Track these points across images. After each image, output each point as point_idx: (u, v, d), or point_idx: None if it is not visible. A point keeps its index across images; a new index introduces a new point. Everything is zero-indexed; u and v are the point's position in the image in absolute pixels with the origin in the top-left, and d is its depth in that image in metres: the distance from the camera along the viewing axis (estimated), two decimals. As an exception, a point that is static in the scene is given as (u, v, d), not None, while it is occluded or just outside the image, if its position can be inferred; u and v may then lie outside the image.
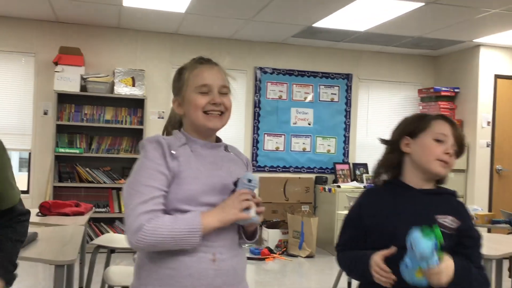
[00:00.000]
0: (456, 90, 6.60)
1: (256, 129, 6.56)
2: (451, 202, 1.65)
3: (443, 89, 6.59)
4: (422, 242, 1.40)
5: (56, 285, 2.43)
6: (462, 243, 1.60)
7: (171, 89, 1.68)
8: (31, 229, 3.06)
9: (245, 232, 1.60)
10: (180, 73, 1.62)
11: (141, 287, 1.50)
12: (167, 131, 1.69)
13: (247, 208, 1.47)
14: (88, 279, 3.83)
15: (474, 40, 6.07)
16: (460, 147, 1.65)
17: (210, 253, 1.47)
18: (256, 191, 1.54)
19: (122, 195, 1.51)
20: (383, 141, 1.76)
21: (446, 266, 1.46)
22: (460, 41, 6.12)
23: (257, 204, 1.51)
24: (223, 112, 1.57)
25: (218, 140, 1.66)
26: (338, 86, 6.81)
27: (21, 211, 1.77)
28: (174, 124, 1.68)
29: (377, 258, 1.51)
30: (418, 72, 7.07)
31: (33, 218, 3.68)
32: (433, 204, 1.61)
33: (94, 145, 5.88)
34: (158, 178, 1.45)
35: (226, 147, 1.66)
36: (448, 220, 1.58)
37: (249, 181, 1.50)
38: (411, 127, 1.67)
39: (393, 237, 1.55)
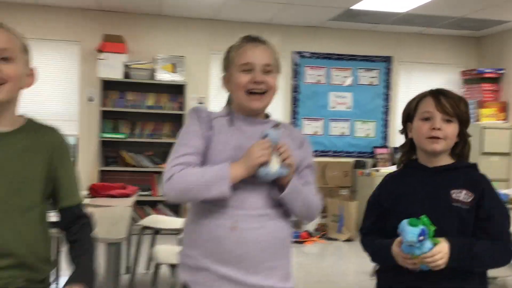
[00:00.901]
0: (500, 72, 6.42)
1: (294, 113, 6.59)
2: (469, 176, 1.64)
3: (487, 70, 6.42)
4: (408, 231, 1.45)
5: (108, 262, 2.56)
6: (478, 215, 1.58)
7: (220, 67, 1.70)
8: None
9: (280, 187, 1.54)
10: (228, 51, 1.65)
11: (181, 252, 1.63)
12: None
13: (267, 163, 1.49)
14: (136, 256, 3.99)
15: (520, 20, 5.88)
16: (457, 115, 1.61)
17: (231, 221, 1.50)
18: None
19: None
20: (400, 131, 1.80)
21: (440, 250, 1.48)
22: (505, 21, 5.94)
23: (283, 158, 1.50)
24: (266, 91, 1.58)
25: (268, 117, 1.67)
26: (378, 69, 6.74)
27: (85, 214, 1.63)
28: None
29: (396, 249, 1.53)
30: (461, 54, 6.91)
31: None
32: (448, 180, 1.62)
33: (137, 130, 6.05)
34: (193, 139, 1.55)
35: (277, 125, 1.61)
36: (462, 195, 1.58)
37: (265, 136, 1.52)
38: (407, 113, 1.72)
39: (408, 217, 1.56)
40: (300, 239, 5.83)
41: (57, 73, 6.00)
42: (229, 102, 1.70)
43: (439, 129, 1.59)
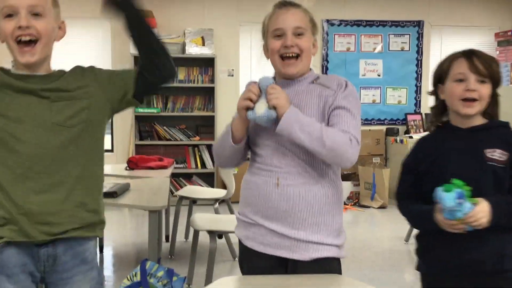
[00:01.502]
0: (537, 32, 6.23)
1: (324, 82, 6.56)
2: (503, 135, 1.64)
3: (523, 31, 6.23)
4: (445, 197, 1.48)
5: (150, 229, 2.69)
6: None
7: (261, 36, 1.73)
8: (123, 181, 3.36)
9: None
10: (264, 20, 1.69)
11: (238, 211, 1.73)
12: None
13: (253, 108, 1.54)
14: (174, 226, 4.14)
15: (558, -24, 5.66)
16: (490, 76, 1.60)
17: (274, 177, 1.57)
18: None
19: None
20: (430, 93, 1.79)
21: (481, 209, 1.50)
22: (542, -22, 5.73)
23: (269, 100, 1.52)
24: (299, 55, 1.60)
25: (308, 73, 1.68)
26: (409, 34, 6.62)
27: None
28: None
29: (439, 216, 1.54)
30: (495, 15, 6.71)
31: (122, 172, 4.02)
32: (482, 139, 1.62)
33: (169, 104, 6.16)
34: None
35: (315, 80, 1.65)
36: (496, 154, 1.59)
37: (260, 85, 1.57)
38: (438, 74, 1.69)
39: (444, 179, 1.58)
40: (333, 207, 5.89)
41: (90, 51, 6.13)
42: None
43: (473, 90, 1.59)
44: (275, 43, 1.61)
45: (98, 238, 1.74)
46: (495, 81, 1.63)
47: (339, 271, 1.67)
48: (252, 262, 1.66)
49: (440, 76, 1.69)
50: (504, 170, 1.59)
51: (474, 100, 1.59)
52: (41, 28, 1.45)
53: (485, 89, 1.60)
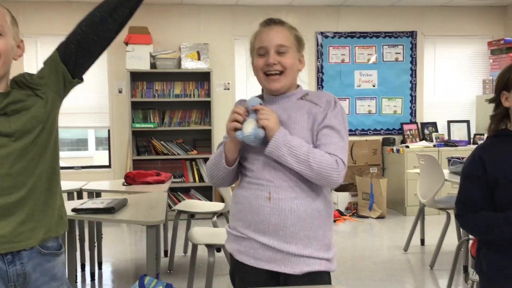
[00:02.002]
0: (529, 40, 6.29)
1: (320, 94, 6.60)
2: None
3: (515, 39, 6.29)
4: None
5: (148, 244, 2.68)
6: None
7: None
8: (120, 196, 3.36)
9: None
10: (251, 37, 1.72)
11: (228, 225, 1.75)
12: None
13: (241, 128, 1.56)
14: (173, 241, 4.13)
15: (547, -15, 5.73)
16: None
17: (266, 191, 1.59)
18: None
19: None
20: (489, 101, 1.77)
21: None
22: (532, -13, 5.80)
23: (258, 119, 1.55)
24: (282, 72, 1.63)
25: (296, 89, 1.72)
26: (403, 45, 6.68)
27: None
28: None
29: None
30: (487, 24, 6.78)
31: (120, 187, 4.02)
32: None
33: (166, 119, 6.18)
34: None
35: (304, 96, 1.68)
36: None
37: (248, 106, 1.59)
38: (504, 81, 1.68)
39: None
40: (331, 218, 5.89)
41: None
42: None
43: None
44: (259, 61, 1.65)
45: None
46: None
47: (329, 283, 1.68)
48: (244, 276, 1.67)
49: (506, 83, 1.67)
50: None
51: None
52: (1, 47, 1.47)
53: None
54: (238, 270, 1.69)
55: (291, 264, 1.59)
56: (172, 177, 4.88)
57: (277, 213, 1.57)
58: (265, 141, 1.56)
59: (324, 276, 1.64)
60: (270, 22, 1.67)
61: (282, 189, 1.59)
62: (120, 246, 4.97)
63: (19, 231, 1.48)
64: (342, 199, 6.26)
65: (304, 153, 1.53)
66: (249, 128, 1.55)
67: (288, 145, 1.53)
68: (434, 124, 6.66)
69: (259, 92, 1.78)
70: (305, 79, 7.04)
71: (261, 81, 1.67)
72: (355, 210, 6.20)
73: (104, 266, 4.24)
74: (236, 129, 1.57)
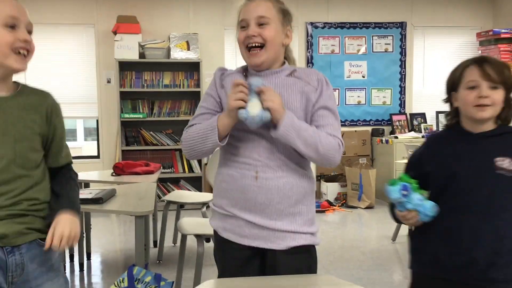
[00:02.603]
0: (517, 31, 6.33)
1: (310, 85, 6.60)
2: (510, 141, 1.66)
3: (503, 31, 6.31)
4: (390, 190, 1.58)
5: (137, 234, 2.67)
6: None
7: None
8: (109, 187, 3.34)
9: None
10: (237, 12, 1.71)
11: (212, 202, 1.75)
12: None
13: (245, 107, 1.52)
14: (162, 231, 4.12)
15: (536, -23, 5.76)
16: (502, 82, 1.62)
17: (253, 171, 1.59)
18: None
19: None
20: (444, 100, 1.80)
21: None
22: (521, -22, 5.83)
23: (263, 101, 1.51)
24: (264, 44, 1.59)
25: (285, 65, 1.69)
26: (392, 36, 6.69)
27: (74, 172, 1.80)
28: None
29: (397, 212, 1.64)
30: (476, 15, 6.81)
31: (109, 178, 4.00)
32: (493, 146, 1.64)
33: (155, 109, 6.15)
34: (208, 100, 1.69)
35: (292, 73, 1.65)
36: (506, 163, 1.61)
37: (249, 85, 1.53)
38: (451, 83, 1.72)
39: (453, 182, 1.63)
40: (321, 209, 5.93)
41: (74, 57, 6.10)
42: None
43: (486, 96, 1.61)
44: (240, 34, 1.63)
45: None
46: (508, 86, 1.65)
47: (315, 257, 1.72)
48: (227, 252, 1.70)
49: (453, 84, 1.71)
50: (510, 180, 1.60)
51: (486, 105, 1.62)
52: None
53: (498, 95, 1.63)
54: (222, 246, 1.71)
55: (277, 240, 1.62)
56: (162, 167, 4.87)
57: (264, 192, 1.59)
58: (267, 124, 1.55)
59: (310, 250, 1.68)
60: None
61: (269, 168, 1.59)
62: (109, 237, 4.96)
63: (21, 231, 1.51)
64: (332, 190, 6.29)
65: (312, 137, 1.54)
66: (256, 109, 1.50)
67: (297, 129, 1.52)
68: (423, 115, 6.69)
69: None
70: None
71: (243, 56, 1.65)
72: (344, 201, 6.23)
73: (93, 257, 4.23)
74: (239, 108, 1.52)
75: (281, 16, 1.63)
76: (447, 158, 1.67)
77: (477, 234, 1.59)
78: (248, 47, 1.61)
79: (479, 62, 1.65)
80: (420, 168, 1.72)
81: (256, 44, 1.59)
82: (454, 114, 1.73)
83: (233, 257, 1.68)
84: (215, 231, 1.73)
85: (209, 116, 1.64)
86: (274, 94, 1.53)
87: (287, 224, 1.62)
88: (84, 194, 2.91)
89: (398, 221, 1.77)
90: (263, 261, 1.67)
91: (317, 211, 5.85)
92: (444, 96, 1.78)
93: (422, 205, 1.59)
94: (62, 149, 1.68)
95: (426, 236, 1.69)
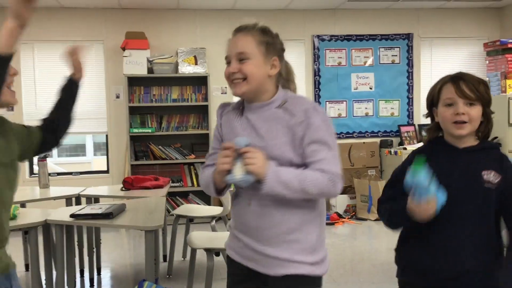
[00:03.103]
0: (524, 41, 6.32)
1: (317, 97, 6.62)
2: (494, 156, 1.71)
3: (510, 41, 6.31)
4: (420, 174, 1.53)
5: (147, 249, 2.68)
6: (505, 194, 1.66)
7: None
8: (119, 201, 3.35)
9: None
10: None
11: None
12: None
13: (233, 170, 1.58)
14: (172, 245, 4.12)
15: (542, -14, 5.76)
16: (478, 98, 1.66)
17: (247, 199, 1.66)
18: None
19: None
20: (425, 115, 1.84)
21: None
22: (527, -12, 5.83)
23: (245, 164, 1.54)
24: (245, 79, 1.62)
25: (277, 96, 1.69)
26: (399, 47, 6.71)
27: None
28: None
29: (411, 204, 1.62)
30: (483, 26, 6.81)
31: (118, 192, 4.02)
32: (478, 160, 1.68)
33: (164, 124, 6.18)
34: (215, 140, 1.80)
35: (282, 103, 1.65)
36: (491, 176, 1.66)
37: (236, 143, 1.58)
38: (431, 99, 1.76)
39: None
40: (330, 221, 5.90)
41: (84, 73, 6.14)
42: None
43: (463, 113, 1.65)
44: (225, 70, 1.68)
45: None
46: (485, 102, 1.69)
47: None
48: (232, 269, 1.79)
49: (433, 100, 1.76)
50: (495, 192, 1.66)
51: (464, 122, 1.66)
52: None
53: (474, 111, 1.67)
54: (229, 265, 1.80)
55: (269, 265, 1.64)
56: (171, 181, 4.89)
57: (255, 218, 1.65)
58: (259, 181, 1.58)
59: (305, 280, 1.64)
60: (236, 31, 1.68)
61: (260, 197, 1.61)
62: (119, 251, 4.97)
63: None
64: (341, 202, 6.26)
65: (299, 185, 1.55)
66: (239, 173, 1.56)
67: (283, 182, 1.54)
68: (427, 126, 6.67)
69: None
70: (303, 82, 7.10)
71: (230, 87, 1.70)
72: (353, 213, 6.20)
73: (103, 272, 4.23)
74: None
75: (263, 48, 1.64)
76: (434, 172, 1.64)
77: (464, 245, 1.65)
78: (232, 81, 1.66)
79: (455, 79, 1.70)
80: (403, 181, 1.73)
81: (238, 80, 1.64)
82: (435, 128, 1.77)
83: (235, 274, 1.77)
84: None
85: (216, 156, 1.72)
86: (255, 155, 1.54)
87: (280, 251, 1.62)
88: (94, 209, 2.93)
89: (396, 224, 1.78)
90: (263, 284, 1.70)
91: (326, 224, 5.83)
92: (426, 111, 1.82)
93: (439, 192, 1.57)
94: (30, 129, 1.83)
95: (414, 248, 1.74)
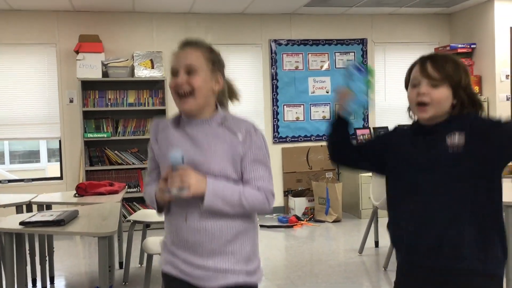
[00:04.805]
0: (472, 46, 6.57)
1: (275, 101, 6.67)
2: (464, 122, 1.59)
3: (460, 46, 6.56)
4: (352, 62, 1.75)
5: (100, 255, 2.63)
6: (492, 137, 1.54)
7: None
8: (71, 208, 3.27)
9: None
10: None
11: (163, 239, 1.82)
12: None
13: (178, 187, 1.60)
14: (128, 251, 4.05)
15: (488, -6, 6.01)
16: (444, 78, 1.58)
17: (183, 214, 1.66)
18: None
19: None
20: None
21: None
22: (474, -4, 6.07)
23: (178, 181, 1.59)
24: (193, 92, 1.63)
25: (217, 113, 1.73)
26: (354, 52, 6.84)
27: None
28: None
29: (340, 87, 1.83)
30: (434, 31, 7.04)
31: (71, 199, 3.92)
32: (443, 130, 1.60)
33: (120, 128, 6.08)
34: (149, 158, 1.83)
35: (223, 122, 1.68)
36: (456, 138, 1.57)
37: (170, 159, 1.59)
38: (406, 80, 1.72)
39: (409, 167, 1.66)
40: (289, 223, 5.94)
41: (35, 77, 5.99)
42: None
43: (423, 93, 1.58)
44: (171, 82, 1.67)
45: None
46: (453, 83, 1.59)
47: None
48: (169, 286, 1.74)
49: (406, 82, 1.71)
50: (465, 156, 1.56)
51: (425, 104, 1.59)
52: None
53: (438, 93, 1.58)
54: (167, 282, 1.75)
55: (209, 279, 1.66)
56: (127, 187, 4.80)
57: (193, 233, 1.65)
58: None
59: None
60: (184, 44, 1.69)
61: (196, 212, 1.63)
62: (73, 260, 4.84)
63: None
64: (299, 204, 6.32)
65: (237, 200, 1.61)
66: (174, 189, 1.57)
67: (221, 197, 1.60)
68: (386, 129, 6.83)
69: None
70: (260, 86, 7.11)
71: (175, 102, 1.69)
72: (312, 215, 6.27)
73: (56, 281, 4.11)
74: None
75: (210, 64, 1.68)
76: (405, 147, 1.69)
77: (441, 215, 1.57)
78: (178, 94, 1.65)
79: (423, 59, 1.65)
80: (380, 143, 1.81)
81: (185, 92, 1.64)
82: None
83: None
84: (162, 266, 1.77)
85: (155, 175, 1.79)
86: (188, 175, 1.57)
87: (220, 262, 1.65)
88: (45, 216, 2.85)
89: (330, 136, 1.93)
90: None
91: (285, 226, 5.88)
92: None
93: (362, 92, 1.75)
94: None
95: (393, 223, 1.72)
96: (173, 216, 1.69)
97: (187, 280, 1.68)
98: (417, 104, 1.61)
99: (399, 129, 1.82)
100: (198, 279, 1.66)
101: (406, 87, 1.71)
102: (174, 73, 1.66)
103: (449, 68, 1.59)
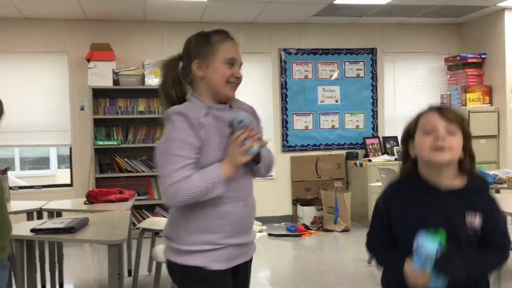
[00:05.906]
0: (483, 56, 6.55)
1: (284, 110, 6.68)
2: (481, 199, 1.60)
3: (470, 56, 6.54)
4: (429, 245, 1.48)
5: (110, 263, 2.63)
6: (487, 235, 1.59)
7: (191, 50, 1.80)
8: (81, 215, 3.29)
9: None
10: (209, 39, 1.77)
11: (188, 240, 1.71)
12: (166, 91, 1.80)
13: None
14: (137, 259, 4.06)
15: (498, 4, 6.00)
16: (460, 126, 1.57)
17: (243, 201, 1.77)
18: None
19: (155, 157, 1.67)
20: (400, 154, 1.77)
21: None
22: (484, 6, 6.06)
23: (255, 138, 1.71)
24: (238, 84, 1.81)
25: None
26: (363, 61, 6.85)
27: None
28: (172, 84, 1.80)
29: (409, 270, 1.55)
30: (443, 41, 7.03)
31: (82, 206, 3.95)
32: (462, 204, 1.58)
33: (130, 136, 6.12)
34: (187, 148, 1.63)
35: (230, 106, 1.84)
36: (476, 221, 1.57)
37: (240, 122, 1.68)
38: (407, 131, 1.66)
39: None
40: (297, 233, 5.93)
41: (47, 85, 6.05)
42: (177, 86, 1.80)
43: (443, 139, 1.54)
44: (227, 70, 1.77)
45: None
46: (466, 134, 1.59)
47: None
48: (215, 283, 1.72)
49: (409, 132, 1.65)
50: (476, 237, 1.58)
51: (443, 149, 1.54)
52: None
53: (455, 140, 1.56)
54: (210, 279, 1.70)
55: (249, 251, 1.85)
56: (136, 194, 4.82)
57: (249, 215, 1.81)
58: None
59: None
60: (231, 37, 1.81)
61: (250, 192, 1.82)
62: (82, 267, 4.86)
63: None
64: (308, 213, 6.31)
65: (268, 156, 1.89)
66: (254, 148, 1.69)
67: (265, 155, 1.87)
68: (395, 138, 6.81)
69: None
70: (270, 95, 7.12)
71: (221, 87, 1.73)
72: (320, 224, 6.25)
73: (65, 287, 4.13)
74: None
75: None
76: (415, 212, 1.60)
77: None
78: (227, 82, 1.75)
79: (435, 107, 1.61)
80: (387, 218, 1.68)
81: (235, 84, 1.79)
82: (411, 166, 1.65)
83: (224, 284, 1.75)
84: (199, 268, 1.69)
85: (194, 165, 1.64)
86: (255, 126, 1.75)
87: (253, 236, 1.87)
88: (55, 223, 2.87)
89: (388, 274, 1.71)
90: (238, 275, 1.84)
91: (293, 235, 5.87)
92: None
93: (438, 278, 1.51)
94: None
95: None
96: (229, 209, 1.72)
97: (235, 264, 1.77)
98: (434, 149, 1.55)
99: (394, 190, 1.71)
100: (244, 256, 1.81)
101: (407, 137, 1.66)
102: (233, 62, 1.76)
103: (462, 117, 1.60)
